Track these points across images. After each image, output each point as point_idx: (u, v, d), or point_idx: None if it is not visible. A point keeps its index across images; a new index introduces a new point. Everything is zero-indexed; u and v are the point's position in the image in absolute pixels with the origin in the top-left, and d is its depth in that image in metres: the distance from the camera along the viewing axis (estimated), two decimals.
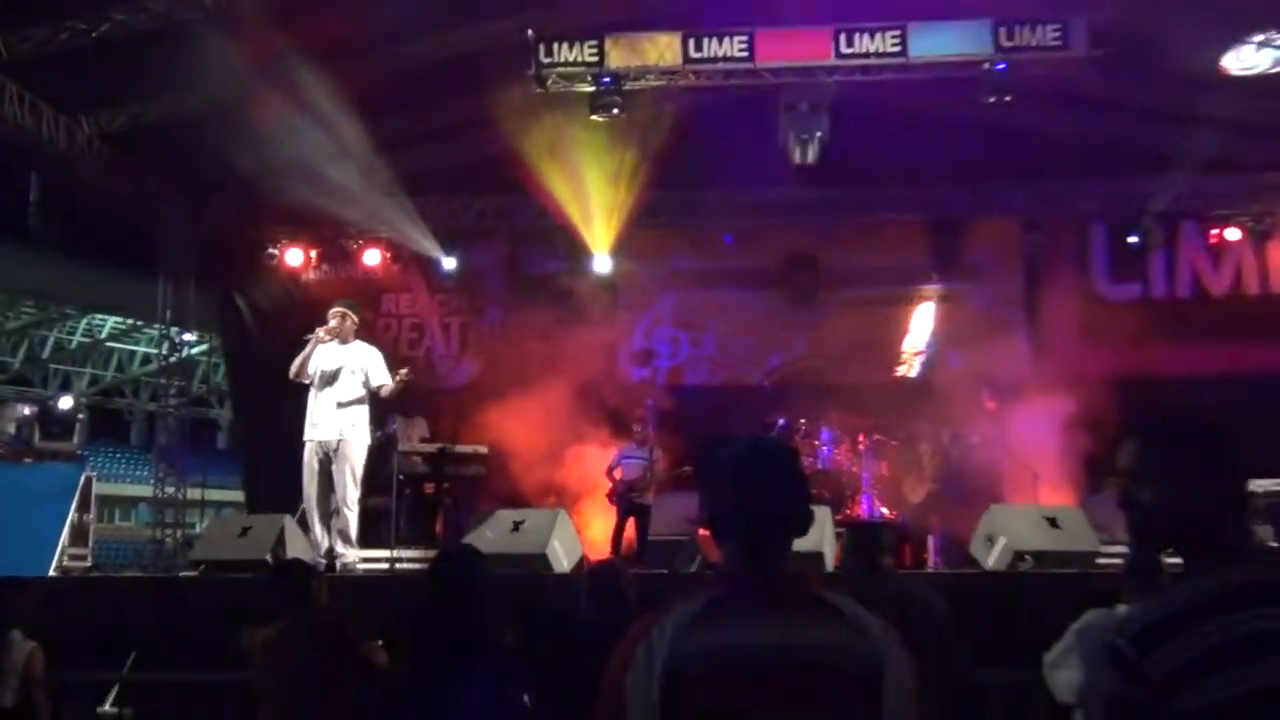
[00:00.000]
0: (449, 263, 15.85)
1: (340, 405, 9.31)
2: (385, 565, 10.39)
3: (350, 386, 9.33)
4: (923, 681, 2.48)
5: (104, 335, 33.05)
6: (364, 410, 9.44)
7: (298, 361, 9.30)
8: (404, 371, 9.39)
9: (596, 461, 12.99)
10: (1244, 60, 11.58)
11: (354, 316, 9.56)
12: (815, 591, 2.53)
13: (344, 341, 9.43)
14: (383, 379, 9.45)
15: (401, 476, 11.69)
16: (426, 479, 12.95)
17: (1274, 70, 11.60)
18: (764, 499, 2.57)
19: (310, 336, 9.29)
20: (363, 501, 9.72)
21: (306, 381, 9.41)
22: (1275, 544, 8.02)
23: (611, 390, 14.15)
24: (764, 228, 15.44)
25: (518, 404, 13.25)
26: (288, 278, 16.23)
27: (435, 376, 15.65)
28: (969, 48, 11.83)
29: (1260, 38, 11.43)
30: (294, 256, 16.13)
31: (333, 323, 9.38)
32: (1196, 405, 2.38)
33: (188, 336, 16.92)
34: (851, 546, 5.21)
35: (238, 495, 17.99)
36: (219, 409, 34.18)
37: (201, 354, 26.32)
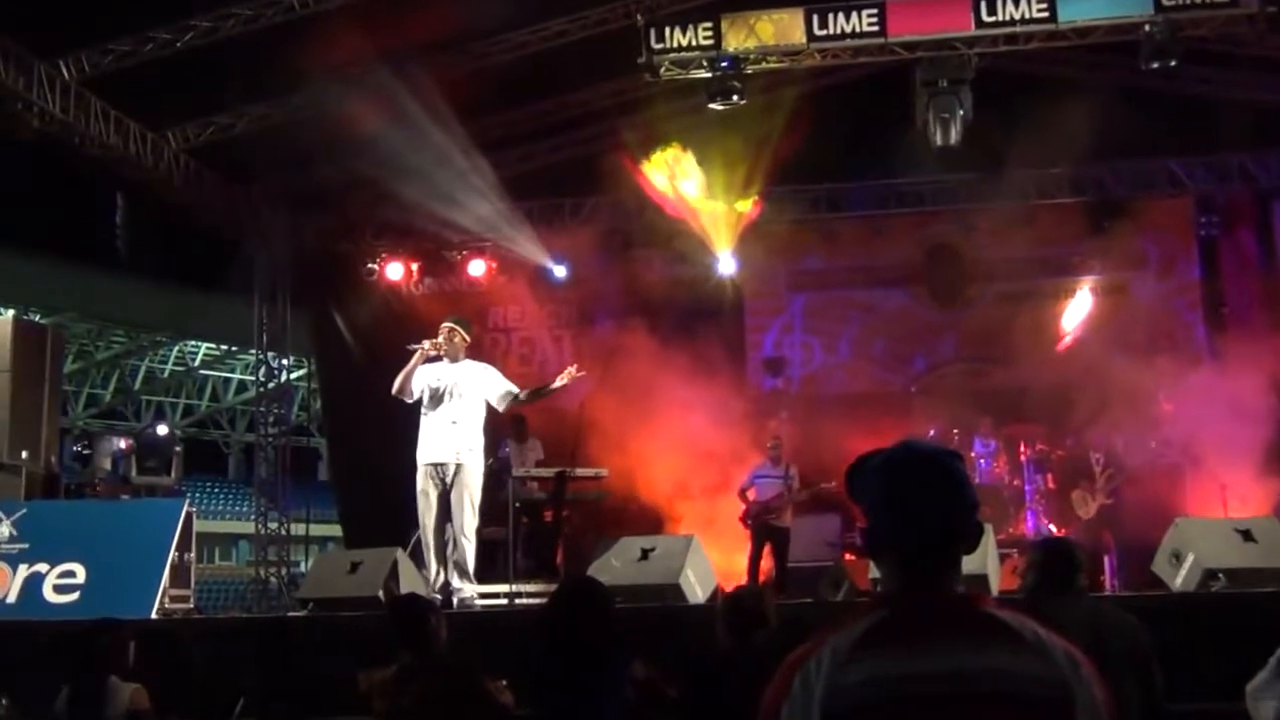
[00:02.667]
0: (559, 270, 16.04)
1: (455, 427, 9.32)
2: (504, 600, 10.49)
3: (465, 407, 9.36)
4: (1121, 714, 2.40)
5: (197, 363, 33.63)
6: (480, 433, 9.48)
7: (400, 378, 9.29)
8: (573, 369, 9.37)
9: (727, 482, 13.00)
10: None
11: (464, 333, 9.56)
12: (990, 612, 2.45)
13: (453, 360, 9.46)
14: (505, 388, 9.46)
15: (518, 504, 11.68)
16: (544, 506, 12.92)
17: None
18: (926, 509, 2.50)
19: (415, 347, 9.31)
20: (478, 532, 9.74)
21: (408, 400, 9.40)
22: None
23: (741, 403, 14.15)
24: (902, 219, 15.48)
25: (639, 421, 13.22)
26: (388, 293, 16.55)
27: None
28: (1125, 9, 11.65)
29: None
30: (394, 270, 16.47)
31: (440, 338, 9.41)
32: None
33: (285, 361, 17.28)
34: (1038, 563, 5.08)
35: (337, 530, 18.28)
36: (320, 438, 33.90)
37: (300, 379, 25.70)
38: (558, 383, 9.34)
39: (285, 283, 16.31)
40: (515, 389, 9.44)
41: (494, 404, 9.46)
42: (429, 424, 9.36)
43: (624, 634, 4.40)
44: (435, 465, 9.32)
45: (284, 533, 16.23)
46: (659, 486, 13.35)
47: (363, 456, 15.59)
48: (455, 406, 9.34)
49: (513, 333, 16.67)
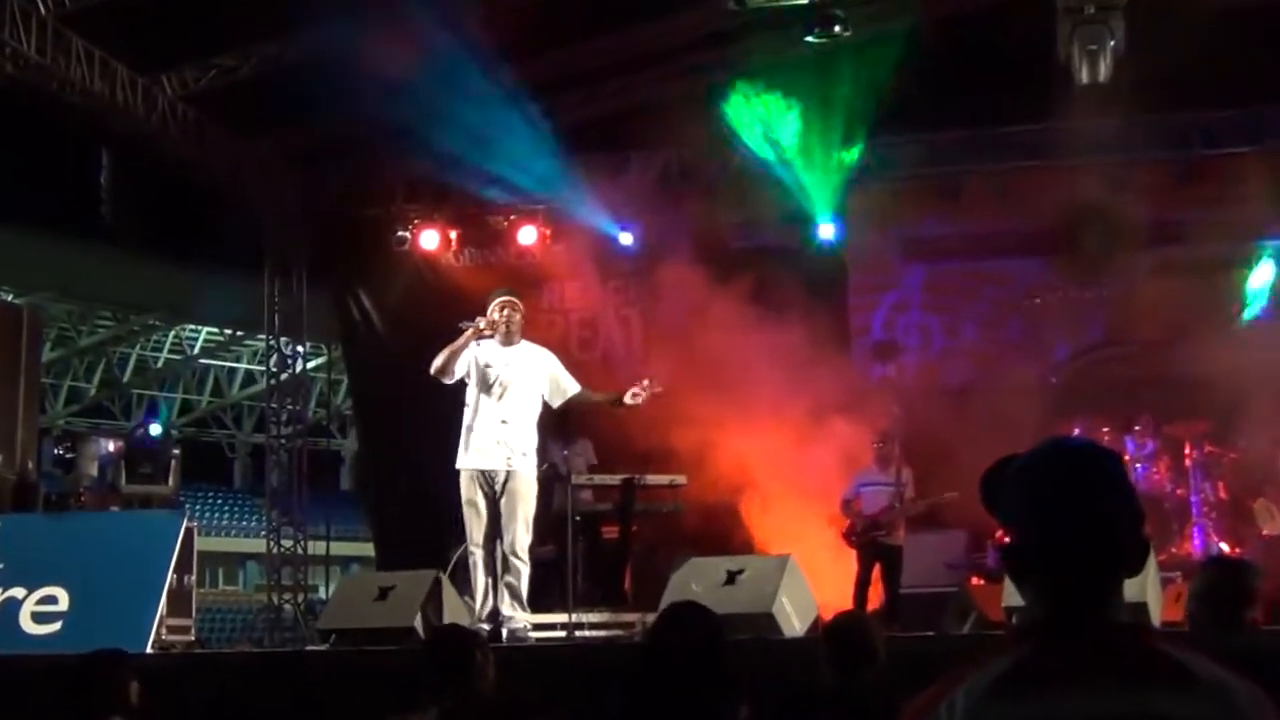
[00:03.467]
0: (626, 238, 16.00)
1: (506, 427, 9.40)
2: (561, 632, 10.54)
3: (519, 402, 9.43)
4: None
5: (196, 350, 33.74)
6: (534, 434, 9.57)
7: (445, 354, 9.31)
8: (647, 383, 9.56)
9: (828, 490, 13.04)
10: None
11: (522, 309, 9.65)
12: (1156, 647, 2.43)
13: (508, 342, 9.46)
14: (569, 384, 9.60)
15: (577, 518, 11.83)
16: (605, 520, 13.07)
17: None
18: (1081, 522, 2.48)
19: (467, 325, 9.31)
20: (529, 551, 9.82)
21: (447, 381, 9.47)
22: None
23: (844, 396, 14.01)
24: (1040, 173, 15.21)
25: (722, 418, 13.25)
26: (423, 266, 16.64)
27: (615, 385, 15.60)
28: None
29: None
30: (429, 239, 16.46)
31: (495, 315, 9.41)
32: None
33: (300, 349, 17.33)
34: (1204, 592, 5.10)
35: (368, 548, 18.49)
36: (341, 439, 34.76)
37: (318, 369, 27.02)
38: (630, 399, 9.47)
39: (301, 255, 16.46)
40: (581, 387, 9.55)
41: (547, 398, 9.56)
42: (475, 422, 9.40)
43: (735, 671, 4.47)
44: (481, 473, 9.40)
45: (300, 552, 16.37)
46: (746, 496, 13.43)
47: (395, 460, 15.81)
48: (508, 401, 9.38)
49: (571, 313, 16.69)
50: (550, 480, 11.38)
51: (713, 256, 15.44)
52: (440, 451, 9.82)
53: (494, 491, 9.39)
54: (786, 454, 13.53)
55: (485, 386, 9.34)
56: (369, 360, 17.02)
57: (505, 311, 9.37)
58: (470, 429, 9.40)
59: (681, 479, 13.07)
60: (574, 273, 16.42)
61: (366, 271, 16.86)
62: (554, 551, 11.48)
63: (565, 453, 12.43)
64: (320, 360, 26.18)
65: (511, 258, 16.47)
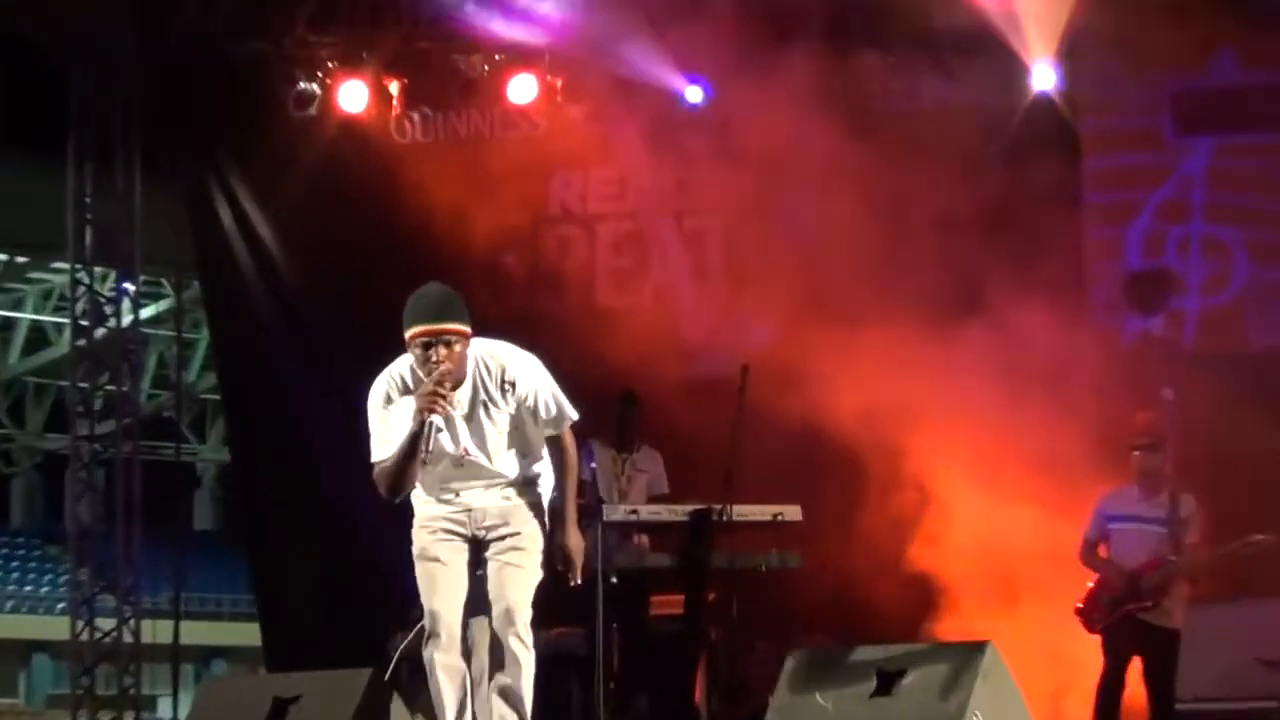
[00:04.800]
0: (694, 94, 15.38)
1: (501, 462, 8.86)
2: None
3: (501, 426, 8.87)
4: None
5: None
6: (540, 452, 8.95)
7: (391, 466, 8.49)
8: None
9: (1051, 527, 12.50)
10: None
11: (459, 326, 8.65)
12: None
13: (459, 378, 8.69)
14: (553, 406, 8.86)
15: (614, 579, 11.53)
16: (660, 581, 12.67)
17: None
18: None
19: (423, 419, 8.34)
20: (539, 634, 9.11)
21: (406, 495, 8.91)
22: None
23: (1078, 365, 13.41)
24: None
25: (862, 405, 12.92)
26: (342, 143, 15.95)
27: (680, 350, 14.94)
28: None
29: None
30: (353, 95, 15.76)
31: (443, 367, 8.43)
32: None
33: (129, 285, 16.72)
34: None
35: (249, 631, 18.72)
36: (197, 443, 34.74)
37: (158, 316, 27.31)
38: (564, 568, 8.98)
39: (131, 126, 15.58)
40: (572, 411, 8.91)
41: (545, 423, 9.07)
42: (443, 442, 8.87)
43: None
44: (454, 520, 8.83)
45: (128, 638, 15.52)
46: (907, 541, 13.15)
47: (291, 478, 15.38)
48: (491, 422, 8.88)
49: (599, 221, 15.91)
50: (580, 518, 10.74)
51: (847, 128, 14.64)
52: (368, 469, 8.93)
53: (477, 546, 8.78)
54: (976, 465, 13.23)
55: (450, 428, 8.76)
56: (247, 306, 16.23)
57: (437, 360, 8.52)
58: (438, 458, 8.81)
59: (793, 511, 12.39)
60: (605, 152, 15.59)
61: (245, 153, 16.20)
62: (579, 638, 11.46)
63: (593, 468, 12.18)
64: (161, 306, 26.57)
65: (494, 128, 15.78)
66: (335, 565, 14.49)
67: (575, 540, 8.93)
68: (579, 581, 9.10)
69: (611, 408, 12.87)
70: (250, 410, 17.07)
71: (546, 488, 8.97)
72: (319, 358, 13.72)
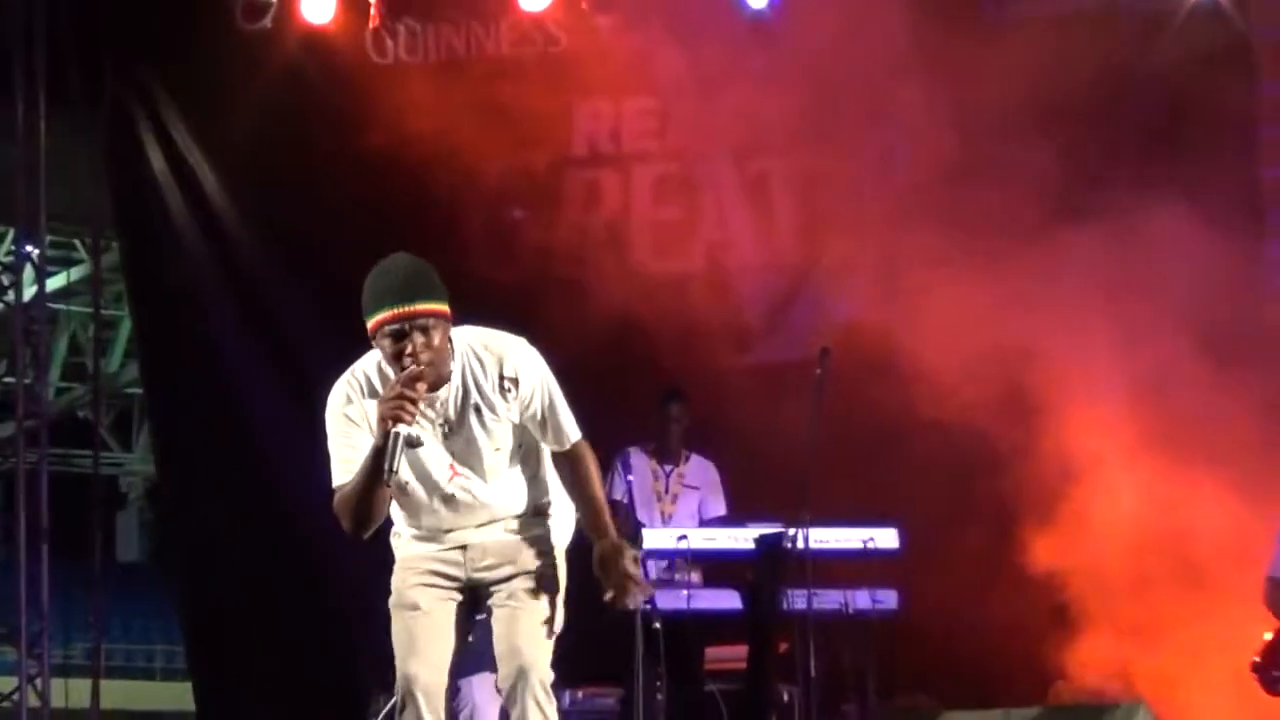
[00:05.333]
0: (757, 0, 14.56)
1: (501, 488, 8.34)
2: None
3: (501, 438, 8.40)
4: None
5: None
6: (554, 480, 8.44)
7: (353, 488, 7.84)
8: (635, 591, 8.09)
9: (1226, 556, 12.09)
10: None
11: (436, 305, 8.06)
12: None
13: (440, 377, 8.11)
14: (564, 429, 8.31)
15: (656, 625, 11.47)
16: (717, 628, 12.40)
17: None
18: None
19: (386, 429, 7.72)
20: (563, 692, 10.09)
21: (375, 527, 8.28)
22: None
23: (1252, 347, 12.85)
24: None
25: (976, 394, 12.41)
26: (305, 64, 15.02)
27: (739, 329, 14.47)
28: None
29: None
30: (318, 2, 14.73)
31: (423, 356, 7.85)
32: None
33: (33, 249, 16.17)
34: None
35: (182, 693, 18.02)
36: (121, 450, 34.69)
37: (67, 294, 27.62)
38: (612, 597, 8.05)
39: (36, 50, 14.55)
40: (575, 429, 8.34)
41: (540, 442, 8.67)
42: (424, 461, 8.51)
43: None
44: (454, 550, 8.37)
45: (36, 701, 14.81)
46: (1039, 568, 12.29)
47: (246, 498, 14.49)
48: (486, 433, 8.44)
49: (635, 163, 14.97)
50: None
51: (964, 37, 13.84)
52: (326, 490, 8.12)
53: (475, 596, 8.26)
54: (1129, 449, 12.60)
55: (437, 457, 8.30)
56: (181, 275, 15.27)
57: (413, 353, 7.91)
58: (422, 494, 8.35)
59: (888, 536, 11.98)
60: (639, 76, 14.73)
61: (179, 78, 15.17)
62: (614, 700, 11.66)
63: (629, 482, 12.66)
64: (74, 274, 26.45)
65: (500, 45, 14.84)
66: (295, 607, 13.58)
67: (619, 551, 7.89)
68: (640, 603, 9.29)
69: (652, 407, 12.39)
70: (184, 410, 15.82)
71: (560, 518, 8.30)
72: (275, 343, 13.19)
